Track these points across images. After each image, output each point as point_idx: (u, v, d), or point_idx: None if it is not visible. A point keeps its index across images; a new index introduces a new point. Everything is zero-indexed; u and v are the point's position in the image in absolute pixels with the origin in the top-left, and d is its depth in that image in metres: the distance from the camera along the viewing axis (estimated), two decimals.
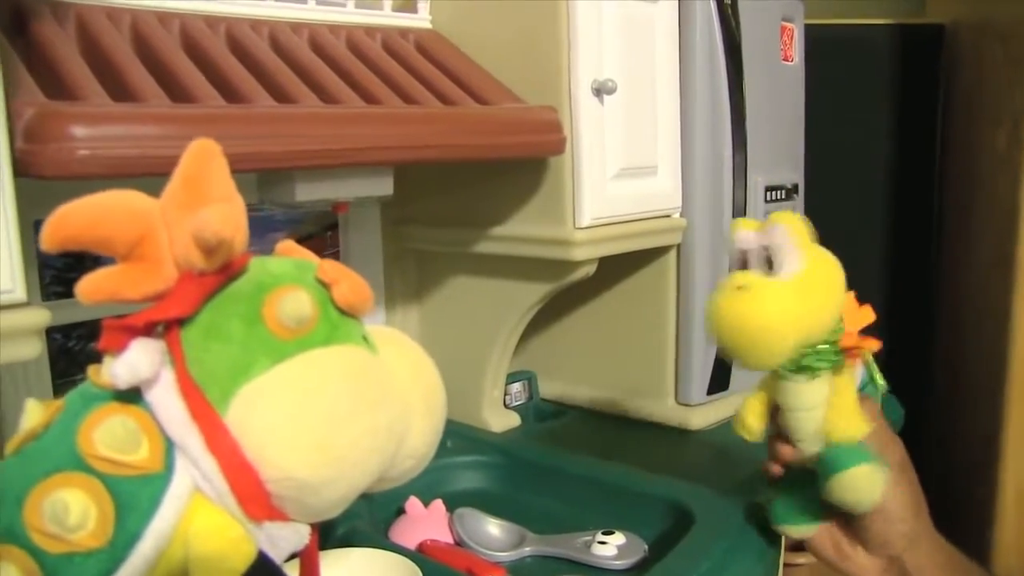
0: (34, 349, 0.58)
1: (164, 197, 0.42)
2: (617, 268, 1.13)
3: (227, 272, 0.43)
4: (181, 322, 0.42)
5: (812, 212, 1.29)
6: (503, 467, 1.03)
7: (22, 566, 0.39)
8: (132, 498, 0.40)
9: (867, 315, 0.73)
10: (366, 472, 0.44)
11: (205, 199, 0.42)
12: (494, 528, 0.89)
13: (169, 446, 0.41)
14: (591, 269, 1.01)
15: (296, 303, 0.43)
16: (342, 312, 0.46)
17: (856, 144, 1.73)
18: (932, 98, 1.75)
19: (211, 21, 0.83)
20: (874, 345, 0.71)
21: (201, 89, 0.71)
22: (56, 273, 0.87)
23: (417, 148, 0.81)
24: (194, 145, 0.44)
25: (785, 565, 0.87)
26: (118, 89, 0.67)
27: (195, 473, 0.41)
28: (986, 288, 1.59)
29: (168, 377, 0.42)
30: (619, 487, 0.94)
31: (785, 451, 0.74)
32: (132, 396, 0.42)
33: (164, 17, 0.80)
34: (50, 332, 0.88)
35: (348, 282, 0.46)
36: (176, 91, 0.70)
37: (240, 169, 0.68)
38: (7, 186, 0.55)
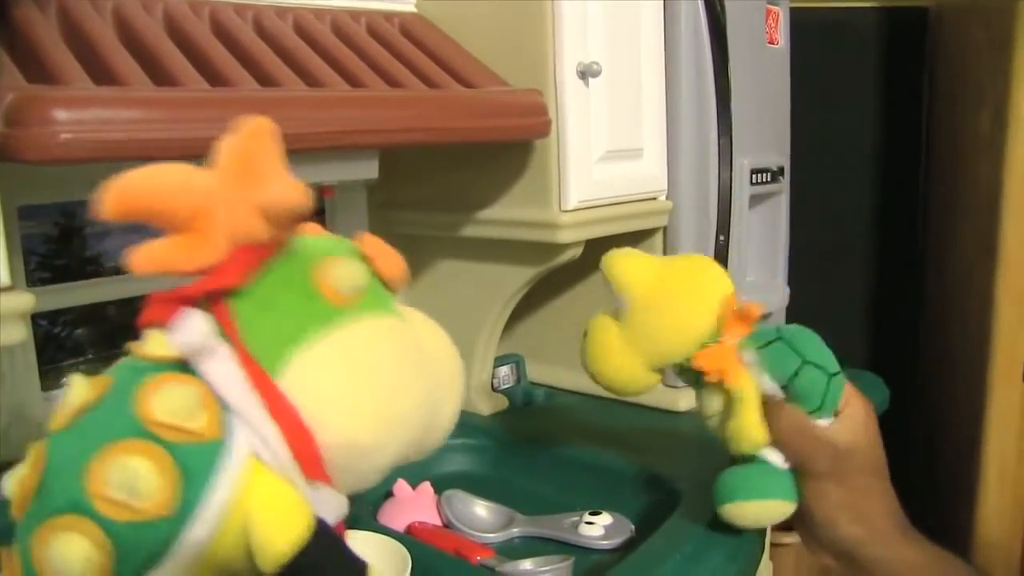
0: (18, 334, 0.58)
1: (219, 172, 0.43)
2: (603, 251, 1.12)
3: (277, 245, 0.44)
4: (230, 294, 0.43)
5: (798, 195, 1.30)
6: (491, 449, 1.04)
7: (90, 536, 0.39)
8: (194, 465, 0.40)
9: (746, 321, 0.71)
10: (409, 438, 0.46)
11: (262, 175, 0.43)
12: (482, 510, 0.89)
13: (225, 414, 0.41)
14: (577, 252, 1.01)
15: (352, 271, 0.44)
16: (383, 285, 0.47)
17: (841, 127, 1.74)
18: (916, 81, 1.76)
19: (195, 5, 0.82)
20: (730, 369, 0.69)
21: (185, 73, 0.71)
22: (41, 259, 0.86)
23: (402, 131, 0.81)
24: (249, 123, 0.44)
25: (772, 545, 0.87)
26: (101, 73, 0.67)
27: (254, 440, 0.41)
28: (971, 270, 1.60)
29: (223, 347, 0.42)
30: (606, 468, 0.95)
31: None
32: (183, 368, 0.42)
33: (147, 2, 0.79)
34: (36, 319, 0.88)
35: (389, 256, 0.47)
36: (160, 75, 0.70)
37: None
38: None
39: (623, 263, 0.73)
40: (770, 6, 1.20)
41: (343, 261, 0.45)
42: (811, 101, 1.40)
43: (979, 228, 1.55)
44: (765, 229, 1.27)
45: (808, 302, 1.37)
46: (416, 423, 0.46)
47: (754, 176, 1.17)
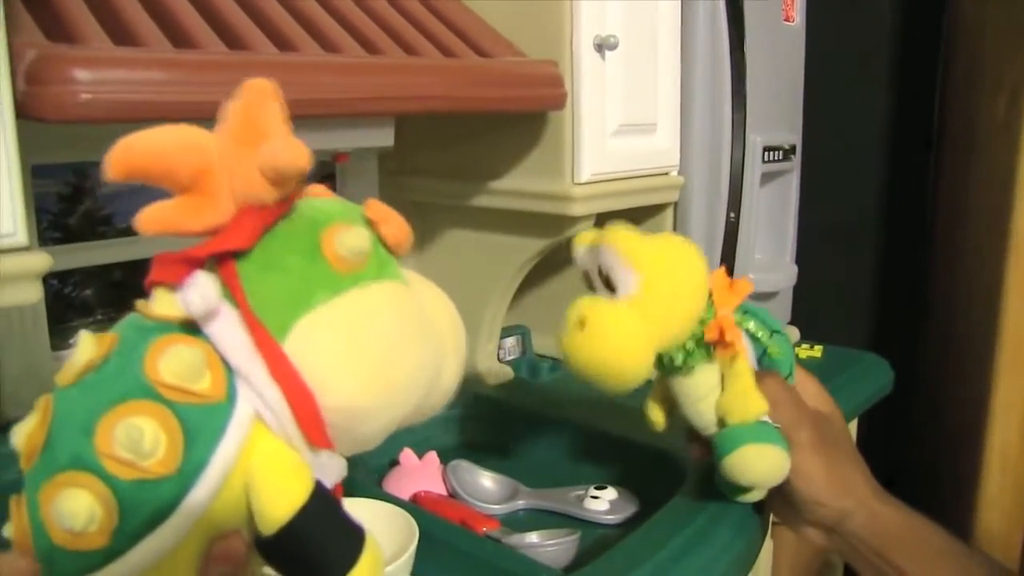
0: (34, 293, 0.58)
1: (222, 133, 0.43)
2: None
3: (282, 208, 0.44)
4: (236, 256, 0.43)
5: (808, 173, 1.29)
6: (497, 420, 1.04)
7: (95, 492, 0.39)
8: (199, 426, 0.40)
9: (739, 292, 0.69)
10: (409, 402, 0.45)
11: (264, 135, 0.42)
12: (487, 481, 0.90)
13: (229, 376, 0.42)
14: (588, 225, 1.01)
15: (357, 237, 0.43)
16: (387, 250, 0.46)
17: (855, 107, 1.73)
18: (932, 63, 1.75)
19: None
20: (737, 336, 0.68)
21: (203, 35, 0.70)
22: (52, 218, 0.86)
23: (418, 99, 0.80)
24: (249, 83, 0.44)
25: (773, 523, 0.88)
26: (120, 33, 0.66)
27: (257, 403, 0.42)
28: (980, 255, 1.60)
29: (228, 309, 0.42)
30: (611, 442, 0.95)
31: (694, 449, 0.74)
32: (189, 328, 0.42)
33: None
34: (46, 279, 0.87)
35: (395, 221, 0.47)
36: (178, 37, 0.69)
37: None
38: (9, 129, 0.55)
39: (633, 240, 0.67)
40: None
41: (349, 227, 0.44)
42: (825, 80, 1.39)
43: (991, 213, 1.55)
44: (774, 207, 1.27)
45: (815, 282, 1.37)
46: (417, 387, 0.45)
47: (766, 154, 1.17)
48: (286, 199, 0.44)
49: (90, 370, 0.42)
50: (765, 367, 0.71)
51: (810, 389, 0.74)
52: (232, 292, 0.42)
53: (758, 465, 0.68)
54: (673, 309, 0.66)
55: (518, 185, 1.01)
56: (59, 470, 0.40)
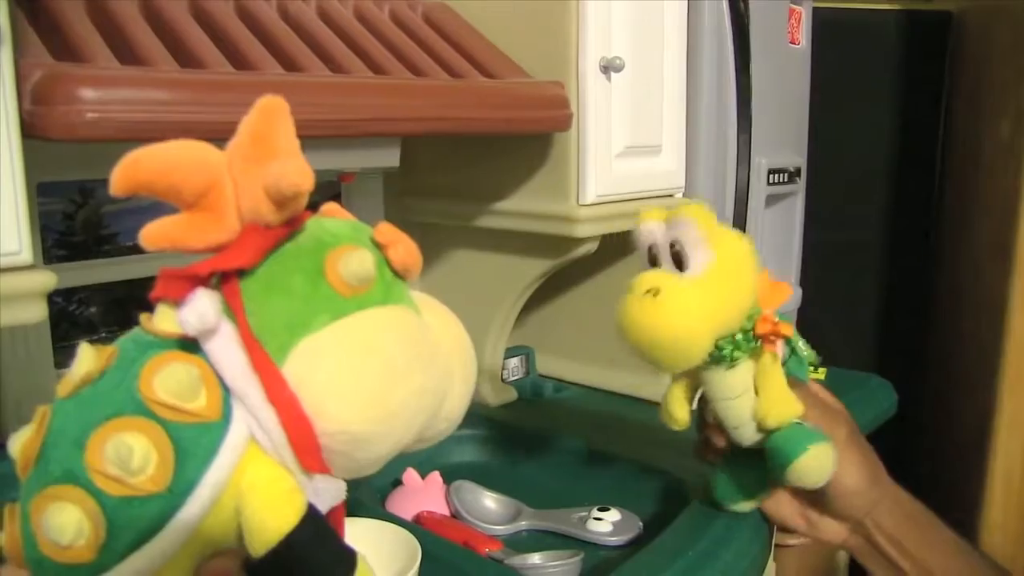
0: (38, 312, 0.58)
1: (231, 150, 0.42)
2: (618, 246, 1.12)
3: (290, 227, 0.44)
4: (240, 274, 0.43)
5: (813, 194, 1.29)
6: (500, 441, 1.04)
7: (84, 507, 0.39)
8: (191, 445, 0.40)
9: (782, 293, 0.70)
10: (410, 430, 0.45)
11: (273, 154, 0.42)
12: (490, 502, 0.89)
13: (226, 396, 0.42)
14: (593, 246, 1.01)
15: (361, 262, 0.43)
16: (395, 274, 0.46)
17: (860, 129, 1.73)
18: (937, 85, 1.75)
19: None
20: (788, 330, 0.68)
21: (210, 55, 0.71)
22: (58, 237, 0.86)
23: (424, 120, 0.80)
24: (262, 102, 0.44)
25: (776, 546, 0.87)
26: (126, 52, 0.66)
27: (252, 424, 0.41)
28: (983, 275, 1.59)
29: (228, 328, 0.42)
30: (615, 464, 0.95)
31: (719, 441, 0.75)
32: (189, 345, 0.42)
33: None
34: (51, 296, 0.87)
35: (403, 245, 0.46)
36: (184, 56, 0.70)
37: None
38: (16, 147, 0.55)
39: (713, 220, 0.66)
40: (793, 6, 1.20)
41: (354, 252, 0.44)
42: (830, 102, 1.40)
43: (994, 234, 1.55)
44: (779, 229, 1.27)
45: (819, 303, 1.37)
46: (418, 415, 0.45)
47: (771, 176, 1.17)
48: (293, 219, 0.44)
49: (87, 383, 0.42)
50: (792, 361, 0.72)
51: (819, 391, 0.76)
52: (233, 311, 0.42)
53: (826, 464, 0.68)
54: (735, 297, 0.66)
55: (523, 206, 1.02)
56: (51, 483, 0.40)
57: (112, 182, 0.40)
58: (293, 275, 0.43)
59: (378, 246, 0.46)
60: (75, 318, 0.90)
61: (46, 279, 0.58)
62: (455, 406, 0.49)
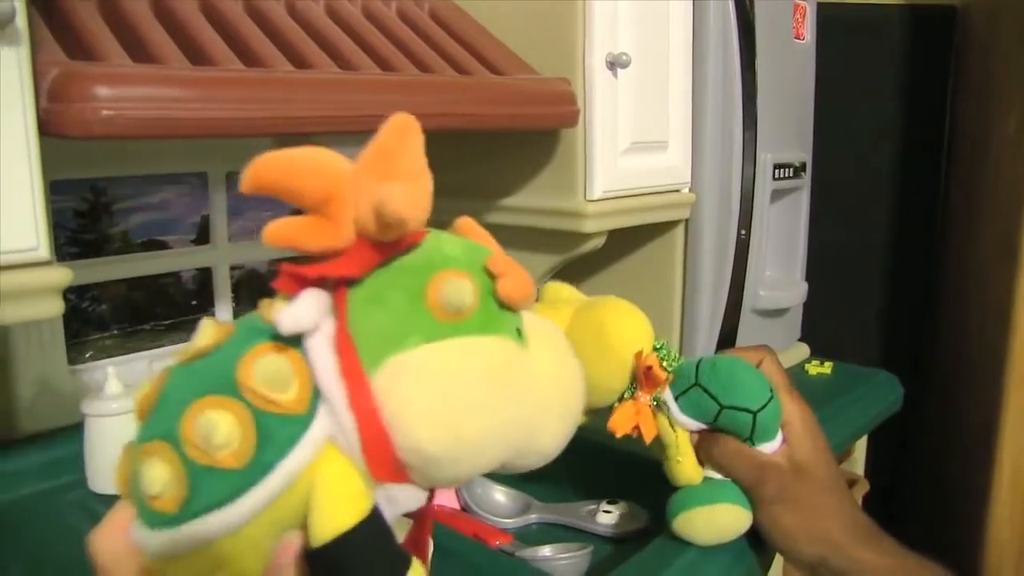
0: (55, 307, 0.59)
1: (359, 163, 0.44)
2: (624, 242, 1.13)
3: (402, 244, 0.45)
4: (349, 283, 0.44)
5: (819, 190, 1.30)
6: None
7: (172, 466, 0.42)
8: (273, 433, 0.43)
9: (651, 385, 0.70)
10: (490, 459, 0.46)
11: (395, 172, 0.43)
12: (500, 495, 0.90)
13: (316, 393, 0.43)
14: (600, 241, 1.02)
15: (459, 291, 0.44)
16: (501, 304, 0.47)
17: (865, 124, 1.74)
18: (943, 80, 1.75)
19: None
20: (637, 430, 0.70)
21: (220, 53, 0.71)
22: (71, 234, 0.87)
23: (432, 117, 0.81)
24: (394, 118, 0.45)
25: None
26: (138, 50, 0.67)
27: (334, 425, 0.43)
28: (989, 272, 1.60)
29: (328, 330, 0.44)
30: (623, 458, 0.95)
31: None
32: (292, 339, 0.44)
33: None
34: (64, 293, 0.88)
35: (514, 277, 0.47)
36: (195, 54, 0.71)
37: (257, 133, 0.69)
38: (33, 145, 0.56)
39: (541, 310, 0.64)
40: (798, 1, 1.20)
41: (456, 279, 0.45)
42: (836, 97, 1.40)
43: (1000, 229, 1.55)
44: (785, 224, 1.27)
45: (825, 298, 1.37)
46: (496, 445, 0.46)
47: (776, 171, 1.17)
48: (404, 238, 0.45)
49: (201, 356, 0.45)
50: (725, 425, 0.70)
51: (794, 433, 0.71)
52: (338, 316, 0.44)
53: (697, 525, 0.71)
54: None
55: (530, 202, 1.02)
56: (152, 438, 0.43)
57: (242, 180, 0.42)
58: (395, 291, 0.45)
59: (489, 274, 0.47)
60: (87, 315, 0.90)
61: (62, 275, 0.59)
62: (547, 442, 0.50)
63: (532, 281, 0.48)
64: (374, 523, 0.44)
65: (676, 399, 0.70)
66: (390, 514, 0.46)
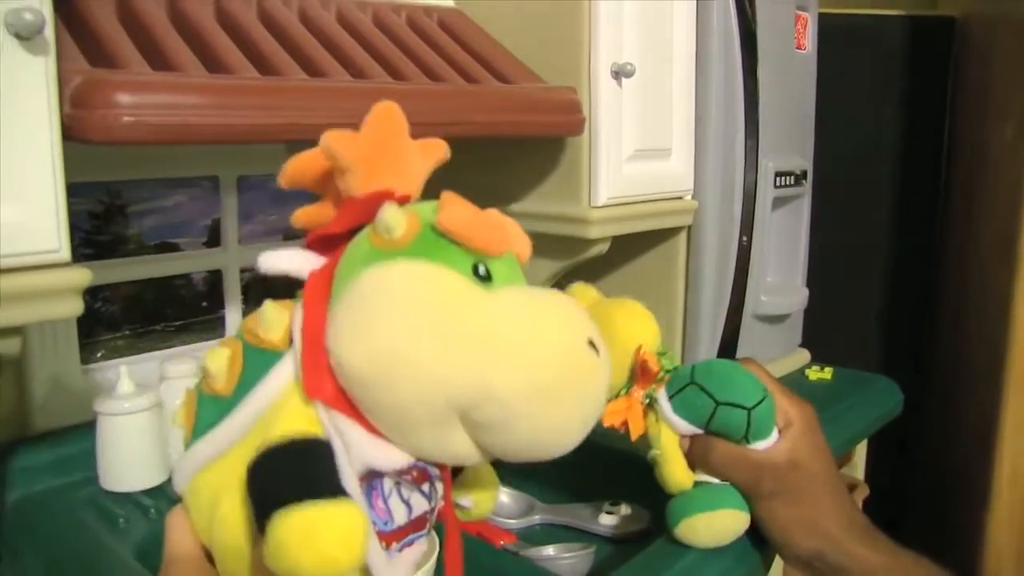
0: (75, 307, 0.61)
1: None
2: (627, 248, 1.15)
3: (371, 205, 0.50)
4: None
5: (820, 197, 1.31)
6: None
7: (188, 394, 0.55)
8: (254, 363, 0.51)
9: (646, 378, 0.72)
10: (431, 392, 0.45)
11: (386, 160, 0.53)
12: (504, 496, 0.91)
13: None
14: (604, 247, 1.03)
15: (389, 214, 0.48)
16: (452, 241, 0.48)
17: (865, 132, 1.75)
18: (941, 89, 1.77)
19: None
20: (626, 426, 0.73)
21: (236, 61, 0.73)
22: (85, 235, 0.89)
23: (442, 124, 0.82)
24: (377, 108, 0.54)
25: None
26: (157, 58, 0.69)
27: (294, 356, 0.49)
28: (988, 276, 1.61)
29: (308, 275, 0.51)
30: (625, 460, 0.96)
31: None
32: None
33: None
34: None
35: (455, 209, 0.49)
36: (211, 62, 0.72)
37: (272, 140, 0.71)
38: (57, 150, 0.57)
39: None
40: (799, 12, 1.22)
41: (390, 206, 0.48)
42: (836, 106, 1.41)
43: (998, 235, 1.57)
44: (786, 231, 1.29)
45: (826, 303, 1.39)
46: (432, 374, 0.45)
47: (778, 179, 1.19)
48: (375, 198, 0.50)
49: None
50: (716, 429, 0.72)
51: (793, 433, 0.72)
52: (329, 264, 0.51)
53: (699, 531, 0.72)
54: None
55: (536, 208, 1.04)
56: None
57: (280, 178, 0.54)
58: (363, 237, 0.50)
59: (434, 209, 0.50)
60: (99, 315, 0.92)
61: (82, 276, 0.60)
62: (505, 391, 0.46)
63: (480, 221, 0.50)
64: (308, 449, 0.46)
65: (670, 399, 0.72)
66: (362, 465, 0.48)
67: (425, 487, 0.54)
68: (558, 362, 0.47)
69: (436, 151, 0.59)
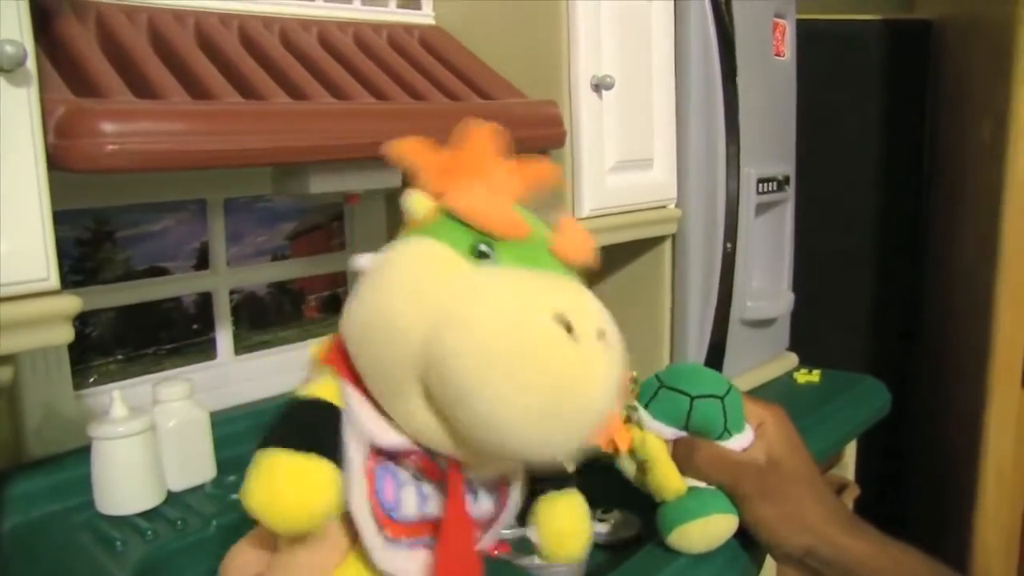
0: (65, 335, 0.62)
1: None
2: (613, 257, 1.16)
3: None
4: None
5: (803, 202, 1.32)
6: None
7: None
8: None
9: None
10: (390, 342, 0.50)
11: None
12: None
13: None
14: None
15: (410, 200, 0.55)
16: (461, 222, 0.53)
17: (846, 137, 1.77)
18: (920, 92, 1.79)
19: (224, 19, 0.85)
20: (613, 443, 0.75)
21: (219, 86, 0.74)
22: (73, 263, 0.89)
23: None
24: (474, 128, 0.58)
25: None
26: (139, 86, 0.70)
27: None
28: (971, 276, 1.63)
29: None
30: (616, 468, 0.97)
31: None
32: None
33: (179, 15, 0.82)
34: None
35: (460, 193, 0.54)
36: (194, 88, 0.73)
37: (257, 163, 0.71)
38: (43, 179, 0.58)
39: None
40: (777, 19, 1.23)
41: (408, 193, 0.55)
42: (816, 111, 1.43)
43: (980, 234, 1.58)
44: (771, 236, 1.30)
45: (812, 308, 1.40)
46: (402, 331, 0.49)
47: (760, 185, 1.20)
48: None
49: None
50: (695, 429, 0.74)
51: (768, 432, 0.75)
52: None
53: (693, 538, 0.74)
54: None
55: None
56: None
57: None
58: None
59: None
60: (90, 341, 0.92)
61: (72, 303, 0.61)
62: (456, 350, 0.47)
63: (477, 202, 0.53)
64: (312, 410, 0.52)
65: (646, 407, 0.74)
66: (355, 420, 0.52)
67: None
68: (509, 329, 0.47)
69: (531, 169, 0.60)
